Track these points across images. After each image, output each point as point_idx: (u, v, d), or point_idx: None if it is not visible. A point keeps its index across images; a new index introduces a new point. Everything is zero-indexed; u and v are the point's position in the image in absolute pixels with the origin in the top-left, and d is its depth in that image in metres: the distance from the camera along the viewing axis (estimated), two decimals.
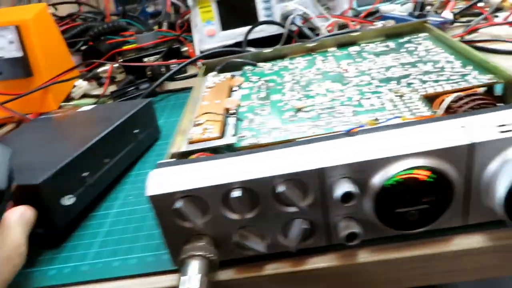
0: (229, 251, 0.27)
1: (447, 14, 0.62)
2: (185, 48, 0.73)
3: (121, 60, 0.68)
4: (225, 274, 0.28)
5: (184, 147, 0.32)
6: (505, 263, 0.27)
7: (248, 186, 0.25)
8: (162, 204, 0.26)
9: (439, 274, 0.27)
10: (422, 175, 0.24)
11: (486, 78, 0.32)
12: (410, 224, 0.26)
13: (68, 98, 0.65)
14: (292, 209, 0.26)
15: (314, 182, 0.25)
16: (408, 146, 0.24)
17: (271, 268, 0.28)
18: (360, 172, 0.25)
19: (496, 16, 0.62)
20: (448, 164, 0.24)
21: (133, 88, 0.65)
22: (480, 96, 0.30)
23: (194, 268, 0.25)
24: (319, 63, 0.43)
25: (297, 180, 0.25)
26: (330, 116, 0.32)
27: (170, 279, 0.28)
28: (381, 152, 0.24)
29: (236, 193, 0.25)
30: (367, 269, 0.27)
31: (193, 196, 0.25)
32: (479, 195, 0.26)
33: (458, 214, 0.26)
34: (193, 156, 0.30)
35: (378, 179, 0.25)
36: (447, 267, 0.27)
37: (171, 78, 0.65)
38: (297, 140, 0.27)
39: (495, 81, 0.32)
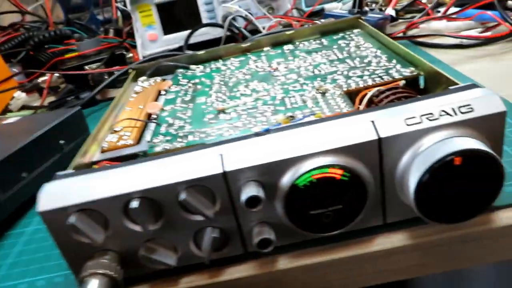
0: (138, 266, 0.25)
1: (390, 11, 0.62)
2: (130, 55, 0.70)
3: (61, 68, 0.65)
4: None
5: (96, 157, 0.30)
6: (427, 262, 0.26)
7: (148, 196, 0.23)
8: (55, 220, 0.23)
9: (361, 276, 0.26)
10: (334, 174, 0.23)
11: (407, 71, 0.32)
12: (326, 226, 0.25)
13: (6, 110, 0.62)
14: (200, 218, 0.24)
15: (220, 187, 0.23)
16: (315, 144, 0.23)
17: (185, 282, 0.26)
18: (267, 174, 0.23)
19: (438, 12, 0.62)
20: (359, 161, 0.23)
21: (73, 97, 0.63)
22: (401, 89, 0.30)
23: (92, 286, 0.23)
24: (252, 63, 0.42)
25: (201, 186, 0.23)
26: (250, 116, 0.31)
27: None
28: (288, 152, 0.23)
29: (135, 204, 0.23)
30: (287, 277, 0.26)
31: (89, 209, 0.23)
32: (395, 192, 0.24)
33: (377, 214, 0.25)
34: (96, 166, 0.28)
35: (286, 180, 0.23)
36: (370, 269, 0.26)
37: (113, 85, 0.62)
38: (206, 144, 0.25)
39: (416, 73, 0.31)
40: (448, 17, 0.56)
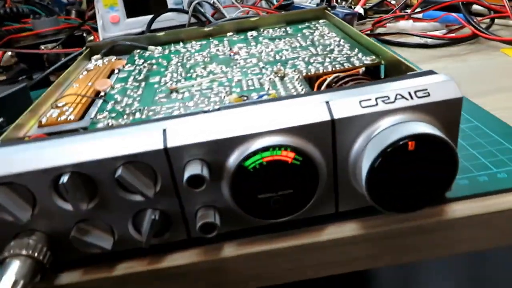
0: (69, 250, 0.23)
1: (359, 9, 0.62)
2: (91, 37, 0.67)
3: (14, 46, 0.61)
4: (68, 277, 0.24)
5: (32, 131, 0.28)
6: (378, 253, 0.25)
7: (81, 171, 0.21)
8: None
9: (311, 267, 0.25)
10: (286, 157, 0.22)
11: (368, 59, 0.31)
12: (275, 212, 0.23)
13: None
14: (140, 198, 0.22)
15: (161, 165, 0.22)
16: (265, 122, 0.22)
17: (122, 268, 0.24)
18: (214, 152, 0.22)
19: (406, 13, 0.62)
20: (311, 143, 0.22)
21: (25, 77, 0.59)
22: (360, 76, 0.29)
23: (13, 270, 0.20)
24: (213, 47, 0.40)
25: (140, 163, 0.21)
26: (203, 96, 0.29)
27: None
28: (236, 130, 0.21)
29: (64, 178, 0.21)
30: (233, 265, 0.24)
31: (13, 183, 0.21)
32: (348, 179, 0.23)
33: (329, 201, 0.24)
34: (27, 139, 0.25)
35: (234, 160, 0.22)
36: (319, 259, 0.25)
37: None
38: (152, 120, 0.24)
39: (376, 61, 0.30)
40: (414, 18, 0.57)
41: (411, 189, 0.22)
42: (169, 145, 0.21)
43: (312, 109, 0.22)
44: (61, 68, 0.57)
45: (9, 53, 0.63)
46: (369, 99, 0.22)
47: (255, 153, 0.21)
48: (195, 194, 0.22)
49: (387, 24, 0.58)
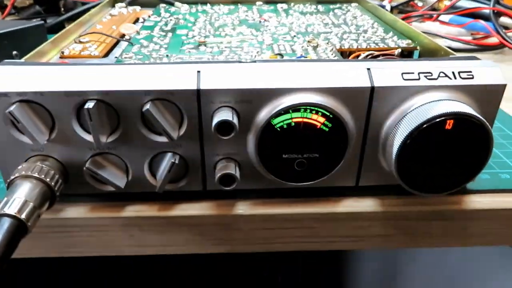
0: (81, 184, 0.22)
1: (387, 4, 0.61)
2: None
3: None
4: (74, 211, 0.23)
5: (54, 61, 0.27)
6: (391, 233, 0.24)
7: (107, 100, 0.20)
8: None
9: (322, 239, 0.24)
10: (315, 121, 0.21)
11: (404, 43, 0.30)
12: (297, 175, 0.23)
13: None
14: (162, 139, 0.21)
15: (191, 106, 0.21)
16: (303, 79, 0.21)
17: (131, 210, 0.23)
18: (245, 102, 0.21)
19: (430, 16, 0.62)
20: (346, 108, 0.21)
21: (39, 19, 0.57)
22: (394, 57, 0.28)
23: (23, 190, 0.19)
24: (241, 12, 0.39)
25: (169, 102, 0.20)
26: (232, 53, 0.28)
27: None
28: (271, 82, 0.21)
29: (90, 104, 0.20)
30: (243, 224, 0.24)
31: (35, 102, 0.20)
32: (375, 152, 0.23)
33: (351, 173, 0.24)
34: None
35: (264, 115, 0.21)
36: (333, 231, 0.24)
37: None
38: (185, 61, 0.23)
39: (412, 46, 0.30)
40: (441, 21, 0.56)
41: (440, 170, 0.21)
42: (202, 86, 0.20)
43: (353, 74, 0.21)
44: (79, 15, 0.56)
45: None
46: (412, 73, 0.21)
47: (286, 111, 0.21)
48: (218, 143, 0.22)
49: (413, 23, 0.57)
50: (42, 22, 0.40)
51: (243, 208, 0.23)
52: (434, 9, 0.63)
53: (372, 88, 0.21)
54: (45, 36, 0.40)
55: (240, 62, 0.22)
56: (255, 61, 0.22)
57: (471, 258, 0.53)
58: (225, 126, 0.20)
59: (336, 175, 0.23)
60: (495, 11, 0.51)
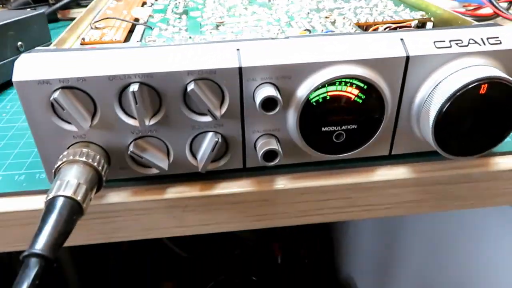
0: (123, 168, 0.22)
1: None
2: None
3: None
4: (117, 196, 0.23)
5: (76, 47, 0.26)
6: (422, 199, 0.25)
7: (150, 82, 0.20)
8: (33, 95, 0.20)
9: (359, 207, 0.25)
10: (352, 93, 0.22)
11: (418, 14, 0.31)
12: (336, 147, 0.23)
13: None
14: (204, 119, 0.22)
15: (233, 84, 0.21)
16: (340, 52, 0.21)
17: (174, 192, 0.23)
18: (285, 78, 0.21)
19: None
20: (383, 78, 0.22)
21: (27, 9, 0.55)
22: (412, 28, 0.29)
23: (74, 174, 0.19)
24: None
25: (210, 81, 0.21)
26: (254, 32, 0.28)
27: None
28: (309, 56, 0.21)
29: (135, 87, 0.20)
30: (283, 198, 0.24)
31: (77, 89, 0.20)
32: (408, 121, 0.24)
33: (385, 142, 0.24)
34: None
35: (304, 88, 0.21)
36: (369, 200, 0.25)
37: (77, 5, 0.56)
38: (222, 41, 0.23)
39: (426, 17, 0.30)
40: None
41: (473, 134, 0.22)
42: (244, 64, 0.21)
43: (388, 44, 0.22)
44: (68, 5, 0.54)
45: None
46: (443, 41, 0.22)
47: (322, 85, 0.21)
48: (259, 119, 0.22)
49: None
50: (43, 11, 0.39)
51: (282, 182, 0.24)
52: None
53: (407, 58, 0.22)
54: (46, 25, 0.39)
55: (273, 39, 0.22)
56: (287, 37, 0.23)
57: (468, 222, 0.55)
58: (270, 102, 0.20)
59: (372, 145, 0.23)
60: None
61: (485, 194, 0.26)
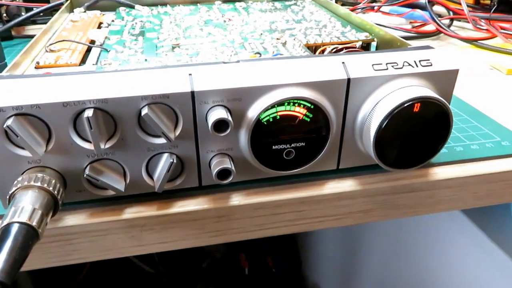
0: (79, 191, 0.23)
1: None
2: None
3: None
4: (73, 219, 0.23)
5: (30, 72, 0.26)
6: (370, 208, 0.27)
7: (104, 107, 0.21)
8: None
9: (311, 219, 0.27)
10: (300, 113, 0.23)
11: (363, 35, 0.33)
12: (286, 164, 0.24)
13: None
14: (159, 141, 0.22)
15: (186, 107, 0.22)
16: (288, 75, 0.23)
17: (131, 212, 0.24)
18: (236, 100, 0.22)
19: (372, 8, 0.66)
20: (326, 98, 0.23)
21: None
22: (357, 50, 0.31)
23: (29, 200, 0.20)
24: (203, 12, 0.40)
25: (164, 105, 0.22)
26: (210, 54, 0.29)
27: None
28: (258, 80, 0.22)
29: (89, 113, 0.20)
30: (239, 214, 0.25)
31: (31, 115, 0.20)
32: (353, 137, 0.25)
33: (333, 157, 0.26)
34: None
35: (254, 110, 0.23)
36: (320, 212, 0.26)
37: (32, 22, 0.56)
38: (174, 65, 0.24)
39: (370, 38, 0.33)
40: (383, 12, 0.60)
41: (410, 147, 0.24)
42: (196, 88, 0.22)
43: (331, 67, 0.23)
44: (23, 22, 0.54)
45: None
46: (381, 64, 0.24)
47: (272, 106, 0.23)
48: (212, 140, 0.23)
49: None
50: None
51: (237, 199, 0.25)
52: (374, 1, 0.68)
53: (349, 80, 0.23)
54: None
55: (225, 62, 0.24)
56: (238, 61, 0.24)
57: (424, 227, 0.59)
58: (221, 124, 0.21)
59: (320, 161, 0.25)
60: (429, 0, 0.55)
61: (426, 202, 0.28)
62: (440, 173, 0.27)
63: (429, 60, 0.25)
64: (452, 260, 0.53)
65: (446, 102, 0.23)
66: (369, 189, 0.26)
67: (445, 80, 0.25)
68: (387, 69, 0.24)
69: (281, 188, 0.26)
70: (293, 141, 0.24)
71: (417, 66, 0.24)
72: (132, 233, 0.24)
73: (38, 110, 0.20)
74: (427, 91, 0.23)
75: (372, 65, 0.24)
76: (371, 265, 0.76)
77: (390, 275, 0.69)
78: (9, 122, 0.20)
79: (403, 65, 0.24)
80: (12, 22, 0.50)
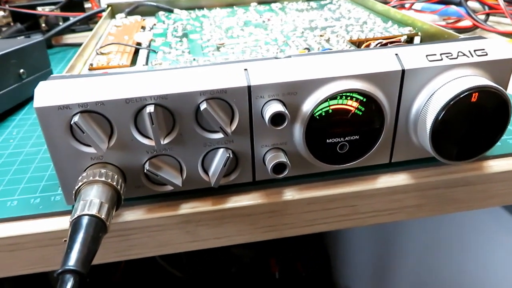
0: (138, 187, 0.23)
1: None
2: (88, 5, 0.65)
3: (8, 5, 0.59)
4: (133, 215, 0.24)
5: (85, 73, 0.27)
6: (423, 203, 0.27)
7: (164, 103, 0.21)
8: (54, 120, 0.20)
9: (363, 214, 0.26)
10: (353, 106, 0.23)
11: (407, 30, 0.33)
12: (340, 158, 0.24)
13: None
14: (216, 136, 0.23)
15: (242, 102, 0.22)
16: (342, 68, 0.23)
17: (187, 207, 0.24)
18: (291, 94, 0.22)
19: (403, 6, 0.66)
20: (381, 91, 0.23)
21: (23, 37, 0.56)
22: (402, 43, 0.30)
23: (96, 194, 0.20)
24: (241, 14, 0.41)
25: (221, 100, 0.22)
26: (254, 52, 0.30)
27: (60, 221, 0.23)
28: (313, 73, 0.22)
29: (151, 109, 0.21)
30: (292, 209, 0.25)
31: (94, 112, 0.21)
32: (406, 130, 0.25)
33: (385, 151, 0.26)
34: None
35: (309, 103, 0.23)
36: (373, 206, 0.26)
37: (71, 31, 0.58)
38: (228, 61, 0.24)
39: (414, 32, 0.32)
40: (415, 10, 0.60)
41: (467, 139, 0.24)
42: (253, 83, 0.22)
43: (384, 59, 0.23)
44: (62, 31, 0.55)
45: (1, 12, 0.60)
46: (435, 54, 0.24)
47: (325, 99, 0.23)
48: (266, 135, 0.23)
49: None
50: (42, 38, 0.40)
51: (290, 194, 0.25)
52: None
53: (403, 71, 0.23)
54: (45, 52, 0.40)
55: (276, 58, 0.24)
56: (290, 56, 0.24)
57: (463, 226, 0.57)
58: (279, 117, 0.22)
59: (373, 154, 0.25)
60: None
61: (480, 196, 0.27)
62: (494, 166, 0.27)
63: (484, 49, 0.24)
64: (493, 262, 0.52)
65: (504, 90, 0.23)
66: (422, 183, 0.26)
67: (501, 69, 0.24)
68: (441, 59, 0.24)
69: (334, 183, 0.26)
70: (347, 134, 0.24)
71: (472, 56, 0.24)
72: (188, 229, 0.24)
73: (102, 107, 0.21)
74: (485, 80, 0.23)
75: (426, 56, 0.24)
76: (405, 267, 0.75)
77: (426, 279, 0.68)
78: (76, 119, 0.20)
79: (458, 55, 0.24)
80: (53, 31, 0.52)
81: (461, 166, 0.27)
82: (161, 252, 0.25)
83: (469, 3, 0.59)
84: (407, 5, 0.62)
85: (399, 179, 0.26)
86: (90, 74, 0.23)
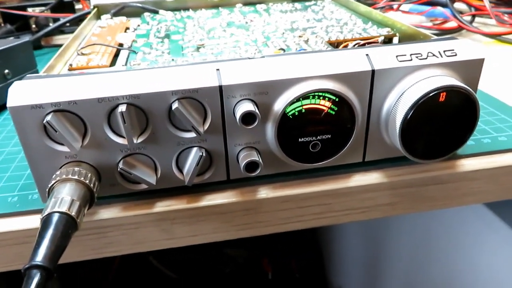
0: (112, 185, 0.24)
1: None
2: (79, 6, 0.65)
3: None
4: (109, 212, 0.24)
5: (64, 73, 0.28)
6: (396, 201, 0.27)
7: (137, 103, 0.22)
8: (27, 119, 0.21)
9: (337, 212, 0.27)
10: (325, 106, 0.24)
11: (385, 31, 0.33)
12: (313, 157, 0.25)
13: None
14: (189, 135, 0.23)
15: (214, 101, 0.23)
16: (312, 68, 0.23)
17: (161, 206, 0.25)
18: (262, 94, 0.23)
19: (391, 7, 0.66)
20: (351, 90, 0.24)
21: (12, 38, 0.57)
22: (379, 44, 0.31)
23: (67, 192, 0.20)
24: (225, 15, 0.41)
25: (193, 99, 0.22)
26: (233, 52, 0.30)
27: (36, 219, 0.24)
28: (284, 73, 0.23)
29: (123, 108, 0.21)
30: (266, 207, 0.26)
31: (68, 111, 0.21)
32: (378, 129, 0.26)
33: (358, 150, 0.26)
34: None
35: (280, 103, 0.23)
36: (346, 205, 0.27)
37: (60, 32, 0.58)
38: (201, 62, 0.24)
39: (391, 33, 0.33)
40: (402, 11, 0.60)
41: (436, 138, 0.24)
42: (224, 83, 0.22)
43: (355, 60, 0.24)
44: (52, 32, 0.56)
45: None
46: (405, 55, 0.24)
47: (297, 99, 0.23)
48: (240, 133, 0.24)
49: None
50: (29, 39, 0.40)
51: (264, 192, 0.25)
52: (393, 0, 0.67)
53: (373, 71, 0.24)
54: (31, 53, 0.41)
55: (250, 58, 0.24)
56: (263, 57, 0.25)
57: (450, 226, 0.58)
58: (249, 116, 0.22)
59: (346, 153, 0.25)
60: None
61: (453, 194, 0.28)
62: (467, 164, 0.27)
63: (453, 50, 0.25)
64: (481, 259, 0.52)
65: (472, 90, 0.23)
66: (395, 182, 0.26)
67: (471, 69, 0.25)
68: (411, 60, 0.24)
69: (308, 181, 0.26)
70: (319, 134, 0.24)
71: (441, 56, 0.24)
72: (163, 226, 0.25)
73: (75, 106, 0.21)
74: (453, 80, 0.23)
75: (396, 56, 0.24)
76: (397, 266, 0.75)
77: (417, 277, 0.68)
78: (48, 118, 0.21)
79: (427, 56, 0.24)
80: (42, 32, 0.52)
81: (434, 165, 0.27)
82: (138, 249, 0.25)
83: (456, 5, 0.60)
84: (395, 6, 0.62)
85: (372, 177, 0.26)
86: (66, 74, 0.23)
